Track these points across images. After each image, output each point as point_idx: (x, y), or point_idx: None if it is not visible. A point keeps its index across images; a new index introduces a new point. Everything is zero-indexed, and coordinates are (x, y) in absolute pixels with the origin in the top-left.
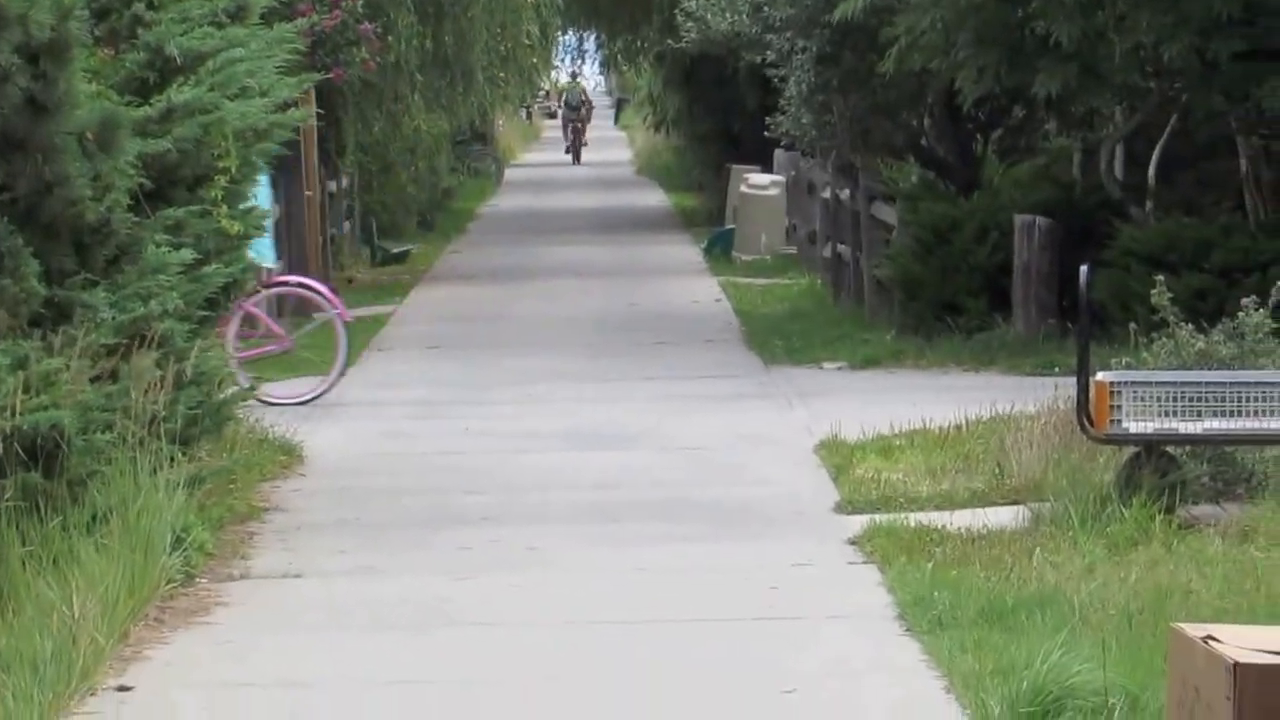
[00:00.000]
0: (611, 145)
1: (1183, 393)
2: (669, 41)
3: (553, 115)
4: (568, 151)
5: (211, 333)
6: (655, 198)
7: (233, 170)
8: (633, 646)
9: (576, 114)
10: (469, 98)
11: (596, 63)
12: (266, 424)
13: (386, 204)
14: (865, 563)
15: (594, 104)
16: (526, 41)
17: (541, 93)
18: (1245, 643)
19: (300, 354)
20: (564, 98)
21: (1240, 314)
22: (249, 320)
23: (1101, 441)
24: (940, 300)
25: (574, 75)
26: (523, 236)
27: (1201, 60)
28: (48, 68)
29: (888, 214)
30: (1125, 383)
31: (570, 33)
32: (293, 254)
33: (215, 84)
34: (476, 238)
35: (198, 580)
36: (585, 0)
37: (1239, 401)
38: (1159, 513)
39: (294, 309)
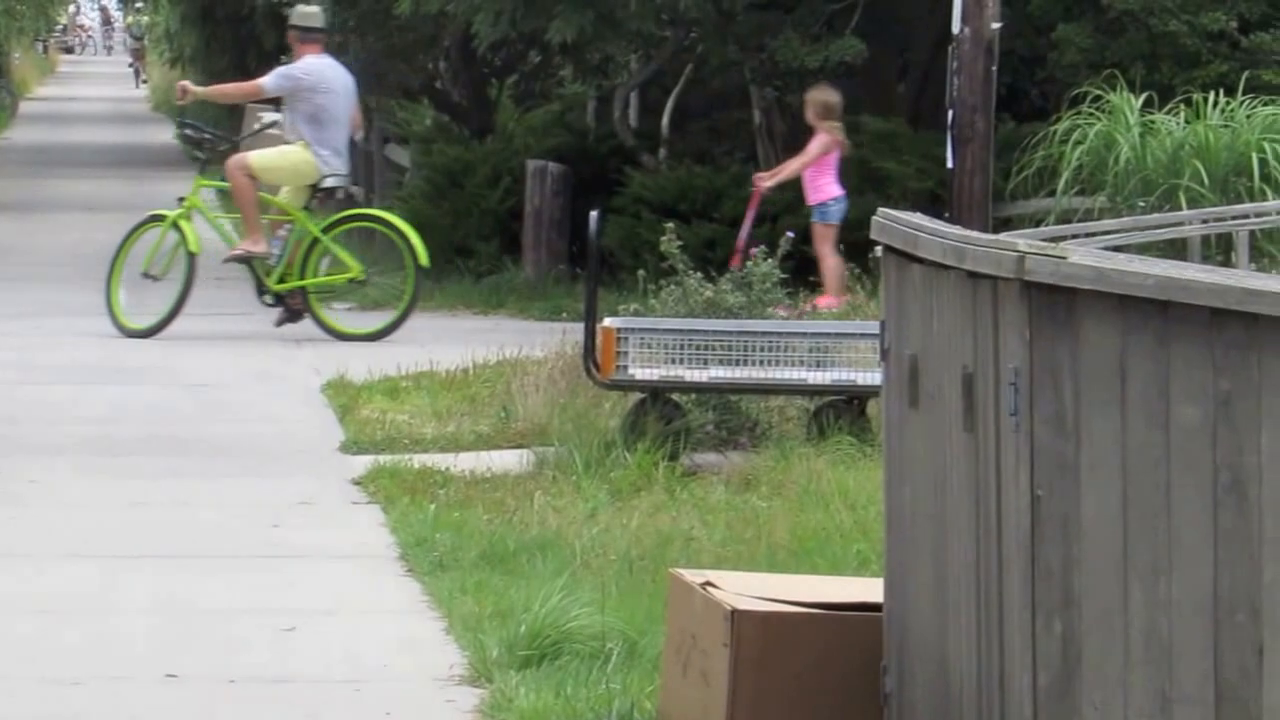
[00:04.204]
0: (128, 81)
1: (689, 340)
2: None
3: (69, 50)
4: (130, 66)
5: None
6: (171, 134)
7: None
8: (130, 581)
9: (140, 44)
10: None
11: None
12: None
13: None
14: (368, 503)
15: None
16: None
17: (59, 26)
18: (744, 590)
19: None
20: (130, 30)
21: (749, 263)
22: None
23: (607, 387)
24: (452, 243)
25: (139, 9)
26: (36, 170)
27: (717, 10)
28: None
29: (401, 156)
30: (632, 329)
31: None
32: None
33: None
34: None
35: None
36: None
37: (745, 350)
38: (663, 460)
39: None
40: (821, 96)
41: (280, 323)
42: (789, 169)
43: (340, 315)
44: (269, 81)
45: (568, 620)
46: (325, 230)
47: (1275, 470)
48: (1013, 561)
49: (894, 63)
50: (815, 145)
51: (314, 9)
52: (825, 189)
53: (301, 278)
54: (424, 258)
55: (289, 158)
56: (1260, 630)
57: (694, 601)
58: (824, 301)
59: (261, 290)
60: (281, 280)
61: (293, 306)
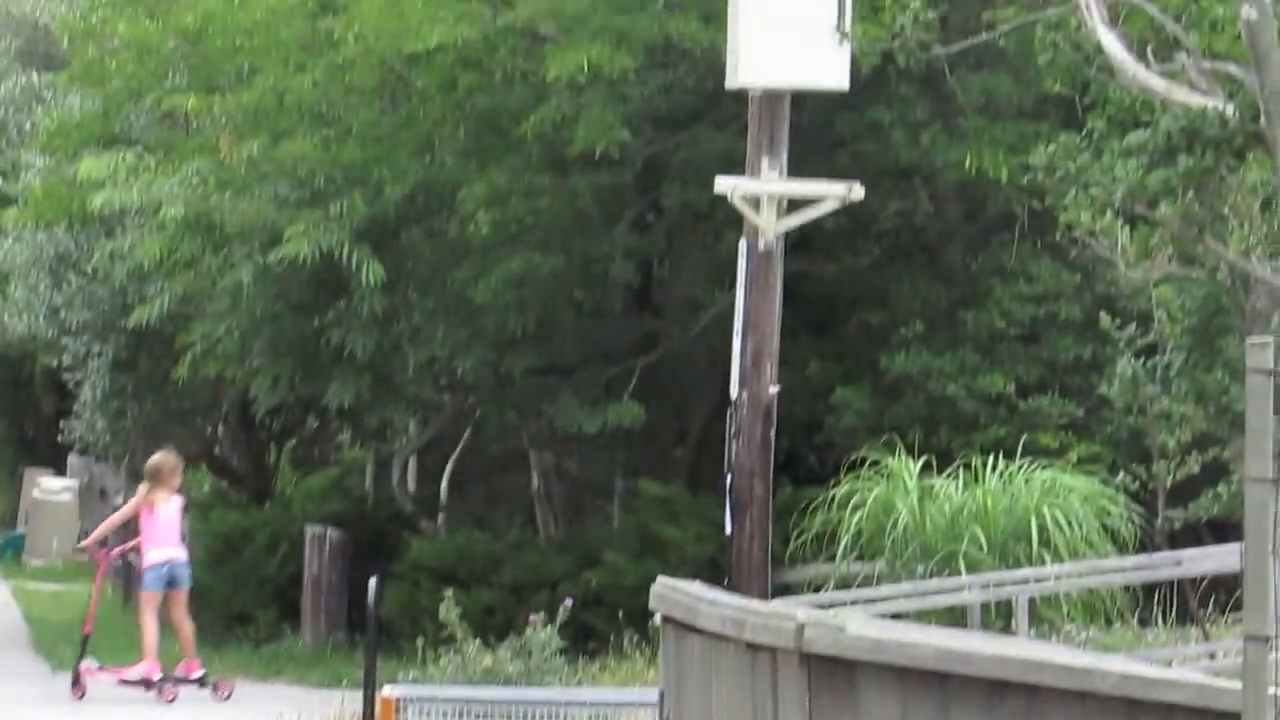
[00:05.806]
0: None
1: (469, 709)
2: None
3: None
4: None
5: None
6: None
7: None
8: None
9: None
10: None
11: None
12: None
13: None
14: None
15: None
16: None
17: None
18: None
19: None
20: None
21: (529, 631)
22: None
23: None
24: (231, 610)
25: None
26: None
27: (495, 374)
28: None
29: None
30: (412, 698)
31: None
32: None
33: None
34: None
35: None
36: None
37: (525, 719)
38: None
39: None
40: (150, 460)
41: None
42: (101, 528)
43: None
44: None
45: None
46: None
47: None
48: None
49: (672, 427)
50: (128, 505)
51: None
52: (146, 557)
53: None
54: None
55: None
56: None
57: None
58: (132, 671)
59: None
60: None
61: None
